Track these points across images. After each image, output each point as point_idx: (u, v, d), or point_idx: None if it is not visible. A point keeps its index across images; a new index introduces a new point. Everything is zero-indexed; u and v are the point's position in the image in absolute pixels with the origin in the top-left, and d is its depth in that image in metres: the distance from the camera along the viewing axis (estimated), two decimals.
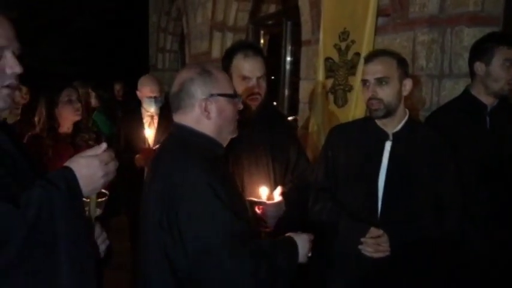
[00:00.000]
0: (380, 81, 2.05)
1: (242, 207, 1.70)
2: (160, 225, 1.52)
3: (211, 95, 1.64)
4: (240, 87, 2.15)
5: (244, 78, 2.18)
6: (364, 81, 2.11)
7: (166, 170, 1.60)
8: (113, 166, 1.35)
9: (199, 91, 1.64)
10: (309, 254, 1.74)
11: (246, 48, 2.23)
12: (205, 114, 1.64)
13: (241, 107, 1.76)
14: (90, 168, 1.29)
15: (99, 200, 1.45)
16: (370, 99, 2.08)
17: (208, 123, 1.66)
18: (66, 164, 1.30)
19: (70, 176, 1.27)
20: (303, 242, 1.72)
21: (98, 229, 1.44)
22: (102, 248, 1.47)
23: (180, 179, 1.52)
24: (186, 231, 1.51)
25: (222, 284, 1.53)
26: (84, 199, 1.39)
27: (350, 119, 2.94)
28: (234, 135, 1.77)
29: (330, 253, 2.21)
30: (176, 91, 1.68)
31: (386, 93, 2.05)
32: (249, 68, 2.18)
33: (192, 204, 1.51)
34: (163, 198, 1.53)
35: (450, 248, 2.14)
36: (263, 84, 2.22)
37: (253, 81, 2.18)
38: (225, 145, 1.74)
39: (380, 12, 2.87)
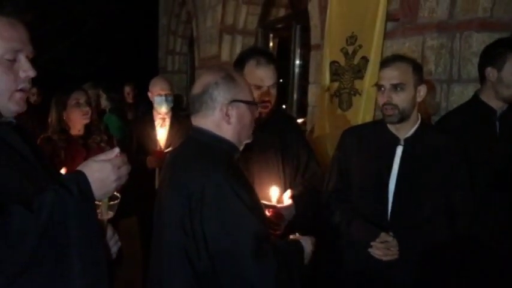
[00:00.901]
0: (395, 87, 2.06)
1: (260, 209, 1.72)
2: (184, 230, 1.54)
3: (234, 101, 1.66)
4: None
5: (256, 85, 2.16)
6: (380, 86, 2.12)
7: (187, 174, 1.60)
8: (125, 170, 1.36)
9: (222, 95, 1.65)
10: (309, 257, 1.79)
11: (258, 55, 2.22)
12: (226, 119, 1.66)
13: (257, 114, 1.79)
14: (103, 172, 1.30)
15: (111, 202, 1.45)
16: (384, 104, 2.09)
17: (227, 128, 1.67)
18: (79, 168, 1.32)
19: (82, 180, 1.28)
20: (307, 245, 1.77)
21: (109, 231, 1.46)
22: (114, 249, 1.48)
23: (204, 184, 1.53)
24: (211, 234, 1.52)
25: (245, 286, 1.55)
26: (96, 202, 1.42)
27: (358, 122, 2.95)
28: (249, 141, 1.79)
29: (341, 254, 2.25)
30: (198, 93, 1.68)
31: (401, 99, 2.06)
32: (260, 76, 2.18)
33: (216, 207, 1.52)
34: (185, 203, 1.54)
35: (460, 252, 2.15)
36: (274, 91, 2.22)
37: (265, 89, 2.18)
38: (241, 149, 1.77)
39: (389, 17, 2.88)
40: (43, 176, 1.40)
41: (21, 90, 1.38)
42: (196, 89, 1.69)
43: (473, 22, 2.49)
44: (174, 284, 1.61)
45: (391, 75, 2.07)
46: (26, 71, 1.37)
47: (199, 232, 1.53)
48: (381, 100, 2.12)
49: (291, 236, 1.82)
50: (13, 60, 1.35)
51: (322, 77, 3.48)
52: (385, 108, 2.10)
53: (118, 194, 1.46)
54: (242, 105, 1.68)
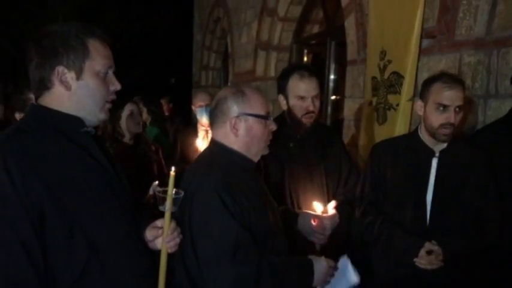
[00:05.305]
0: (458, 108, 2.12)
1: (261, 221, 1.76)
2: (183, 233, 1.65)
3: (241, 114, 1.75)
4: (296, 106, 2.31)
5: (301, 97, 2.30)
6: (443, 106, 2.12)
7: (189, 177, 1.75)
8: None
9: (231, 109, 1.75)
10: (328, 279, 1.83)
11: (301, 69, 2.37)
12: (234, 131, 1.75)
13: (273, 128, 1.83)
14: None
15: (176, 197, 1.56)
16: (444, 124, 2.12)
17: (235, 140, 1.77)
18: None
19: None
20: (321, 268, 1.80)
21: (173, 223, 1.59)
22: (177, 241, 1.61)
23: (196, 187, 1.67)
24: (197, 239, 1.65)
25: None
26: (161, 195, 1.55)
27: (392, 136, 3.01)
28: (265, 153, 1.86)
29: (378, 264, 2.32)
30: (213, 108, 1.82)
31: (459, 119, 2.15)
32: (305, 87, 2.31)
33: (200, 211, 1.66)
34: (182, 204, 1.62)
35: (491, 257, 2.21)
36: (317, 103, 2.35)
37: (309, 101, 2.30)
38: (255, 160, 1.84)
39: (426, 35, 2.97)
40: (115, 178, 1.58)
41: (109, 101, 1.56)
42: (212, 104, 1.84)
43: (511, 39, 2.55)
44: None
45: (456, 96, 2.10)
46: (114, 84, 1.55)
47: (188, 235, 1.66)
48: (440, 120, 2.13)
49: (310, 256, 1.85)
50: (106, 75, 1.53)
51: (364, 92, 3.58)
52: (444, 127, 2.13)
53: (181, 191, 1.58)
54: (251, 118, 1.76)
